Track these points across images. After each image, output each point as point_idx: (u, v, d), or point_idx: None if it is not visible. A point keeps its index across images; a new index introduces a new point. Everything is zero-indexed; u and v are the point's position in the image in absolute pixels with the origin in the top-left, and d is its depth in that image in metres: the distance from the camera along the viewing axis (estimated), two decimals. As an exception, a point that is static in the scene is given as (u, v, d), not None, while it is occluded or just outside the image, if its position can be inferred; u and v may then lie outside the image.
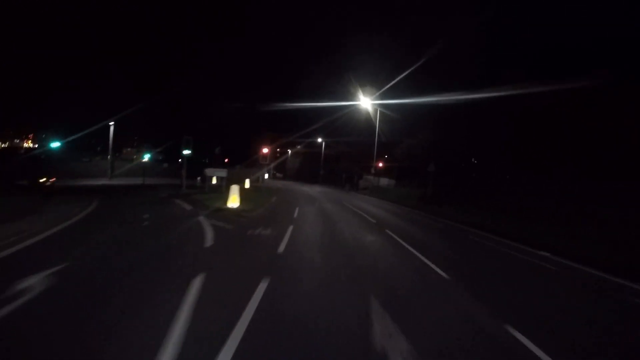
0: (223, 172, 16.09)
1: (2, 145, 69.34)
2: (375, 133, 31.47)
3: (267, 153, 18.57)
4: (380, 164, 31.39)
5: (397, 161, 34.71)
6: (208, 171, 16.23)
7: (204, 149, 33.79)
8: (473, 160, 22.45)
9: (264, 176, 50.52)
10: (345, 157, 48.36)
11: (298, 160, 75.32)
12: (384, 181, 37.48)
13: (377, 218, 13.12)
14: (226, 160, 35.07)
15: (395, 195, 26.33)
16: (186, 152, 17.91)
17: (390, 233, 9.71)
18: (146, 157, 23.78)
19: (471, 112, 22.64)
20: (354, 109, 37.21)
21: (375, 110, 32.32)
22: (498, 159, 23.21)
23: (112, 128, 37.69)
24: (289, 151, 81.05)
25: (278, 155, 54.34)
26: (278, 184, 44.98)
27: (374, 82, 39.35)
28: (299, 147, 79.05)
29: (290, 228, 8.93)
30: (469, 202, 19.42)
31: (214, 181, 34.19)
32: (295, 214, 12.07)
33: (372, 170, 31.84)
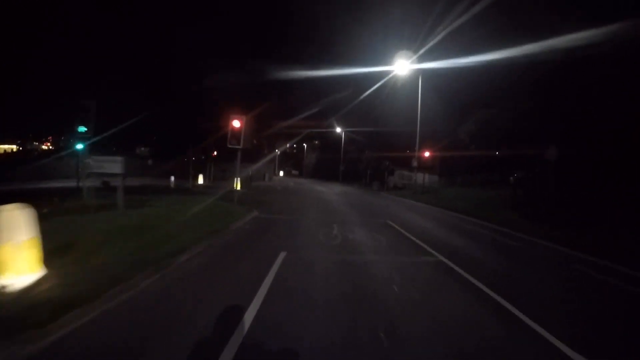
0: (116, 165, 7.58)
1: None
2: (418, 108, 22.02)
3: (239, 128, 9.80)
4: (427, 154, 22.00)
5: (445, 150, 25.06)
6: (92, 162, 7.75)
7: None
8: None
9: (272, 173, 42.12)
10: (370, 147, 39.07)
11: (315, 156, 66.64)
12: (421, 178, 27.82)
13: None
14: (214, 153, 26.86)
15: (456, 199, 16.84)
16: (81, 129, 9.62)
17: None
18: (79, 147, 15.35)
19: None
20: (383, 86, 27.84)
21: (417, 77, 22.86)
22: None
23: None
24: (305, 145, 72.49)
25: (263, 140, 43.44)
26: (289, 182, 36.42)
27: (413, 38, 29.43)
28: (316, 142, 70.34)
29: None
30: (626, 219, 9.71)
31: (200, 182, 25.78)
32: None
33: (414, 163, 22.40)
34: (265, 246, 5.77)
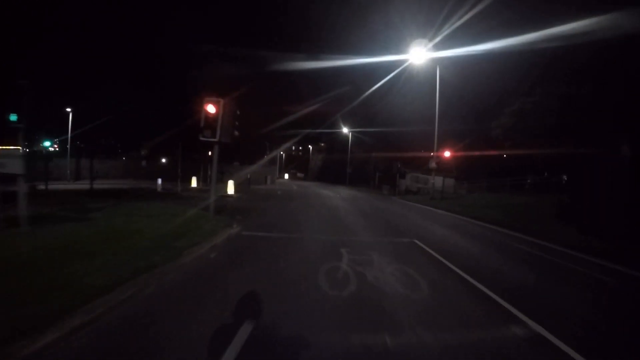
0: (14, 162, 5.24)
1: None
2: (436, 102, 19.34)
3: (214, 115, 7.35)
4: (448, 154, 19.30)
5: (468, 149, 22.30)
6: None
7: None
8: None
9: (274, 175, 39.59)
10: (379, 148, 36.42)
11: (320, 157, 64.05)
12: (437, 181, 24.88)
13: None
14: (209, 153, 24.49)
15: (485, 206, 14.10)
16: (12, 118, 7.27)
17: None
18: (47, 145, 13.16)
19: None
20: (395, 80, 25.23)
21: (433, 70, 20.21)
22: None
23: (70, 115, 28.66)
24: (310, 147, 69.86)
25: (265, 141, 40.23)
26: (293, 185, 33.89)
27: (430, 23, 26.78)
28: (322, 144, 67.67)
29: None
30: None
31: (193, 185, 23.06)
32: None
33: (432, 165, 19.67)
34: (218, 310, 3.18)
